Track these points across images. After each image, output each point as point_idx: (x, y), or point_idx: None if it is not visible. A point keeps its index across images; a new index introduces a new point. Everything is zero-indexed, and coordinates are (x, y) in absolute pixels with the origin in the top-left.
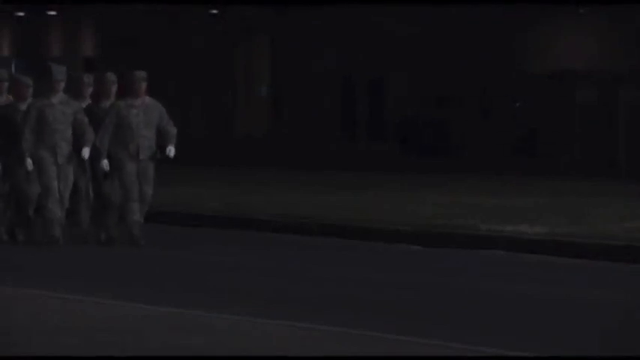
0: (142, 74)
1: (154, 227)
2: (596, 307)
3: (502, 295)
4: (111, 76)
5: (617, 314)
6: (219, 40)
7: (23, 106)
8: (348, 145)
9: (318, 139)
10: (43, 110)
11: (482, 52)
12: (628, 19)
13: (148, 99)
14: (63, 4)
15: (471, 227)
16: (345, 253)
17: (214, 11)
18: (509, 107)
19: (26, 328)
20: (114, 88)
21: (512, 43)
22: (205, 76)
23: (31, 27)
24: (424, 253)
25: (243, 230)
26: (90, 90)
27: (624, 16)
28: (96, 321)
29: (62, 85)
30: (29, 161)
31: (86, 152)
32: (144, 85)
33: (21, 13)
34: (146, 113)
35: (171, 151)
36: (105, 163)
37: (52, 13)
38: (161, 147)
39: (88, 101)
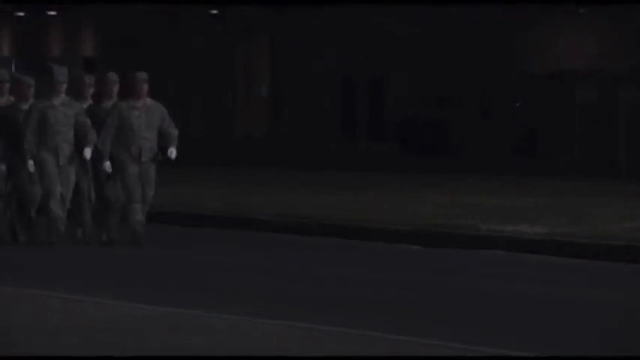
0: (143, 75)
1: (154, 227)
2: (596, 307)
3: (502, 295)
4: (113, 76)
5: (617, 314)
6: (219, 40)
7: (25, 106)
8: (348, 145)
9: (318, 139)
10: (45, 112)
11: (482, 52)
12: (628, 19)
13: (149, 100)
14: (63, 4)
15: (471, 227)
16: (345, 253)
17: (214, 11)
18: (509, 107)
19: (26, 328)
20: (115, 88)
21: (512, 43)
22: (205, 76)
23: (31, 27)
24: (424, 253)
25: (243, 230)
26: (91, 90)
27: (624, 16)
28: (96, 321)
29: (64, 86)
30: (31, 163)
31: (88, 152)
32: (145, 87)
33: (21, 13)
34: (148, 115)
35: (172, 153)
36: (107, 165)
37: (52, 13)
38: (162, 148)
39: (90, 101)
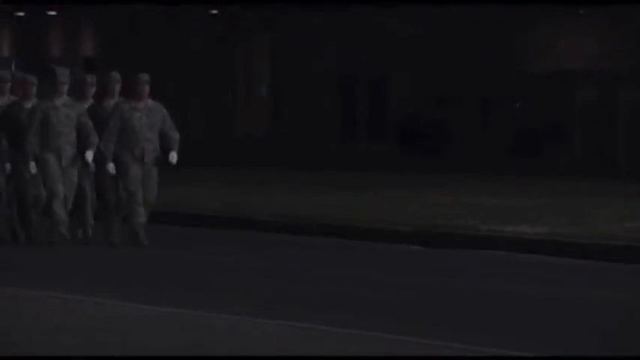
0: (145, 77)
1: (154, 227)
2: (596, 307)
3: (502, 295)
4: (115, 75)
5: (617, 314)
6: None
7: (28, 105)
8: (348, 145)
9: (318, 139)
10: (48, 113)
11: (482, 52)
12: (628, 19)
13: (150, 102)
14: (63, 4)
15: (471, 227)
16: (345, 253)
17: (214, 11)
18: (509, 107)
19: (26, 328)
20: (118, 87)
21: (512, 43)
22: (205, 77)
23: (31, 27)
24: (424, 253)
25: (243, 230)
26: (93, 90)
27: (624, 16)
28: (96, 321)
29: (66, 87)
30: (32, 164)
31: (90, 155)
32: (147, 88)
33: (21, 13)
34: (149, 116)
35: (173, 157)
36: (111, 167)
37: (52, 13)
38: (163, 150)
39: (91, 101)
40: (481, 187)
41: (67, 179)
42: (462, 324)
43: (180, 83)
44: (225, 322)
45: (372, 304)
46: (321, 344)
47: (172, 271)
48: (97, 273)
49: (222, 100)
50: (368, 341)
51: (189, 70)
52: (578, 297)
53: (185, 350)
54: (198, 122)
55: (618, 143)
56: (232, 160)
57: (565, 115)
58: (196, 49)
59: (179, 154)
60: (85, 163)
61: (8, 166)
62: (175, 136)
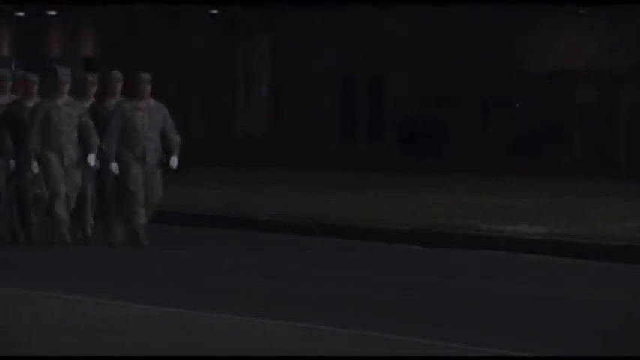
0: (147, 76)
1: (154, 227)
2: (596, 307)
3: (502, 295)
4: (117, 74)
5: (617, 314)
6: (219, 40)
7: (30, 103)
8: (348, 145)
9: (318, 139)
10: (49, 112)
11: (482, 52)
12: (628, 19)
13: (152, 101)
14: (63, 4)
15: (471, 227)
16: (345, 253)
17: (214, 11)
18: (510, 107)
19: (26, 328)
20: (119, 86)
21: (512, 43)
22: (205, 76)
23: (31, 27)
24: (424, 253)
25: (243, 230)
26: (94, 89)
27: (624, 16)
28: (96, 321)
29: (67, 86)
30: (35, 164)
31: (92, 159)
32: (149, 88)
33: (21, 13)
34: (151, 115)
35: (174, 162)
36: (114, 167)
37: (52, 13)
38: (164, 151)
39: (92, 100)
40: (481, 187)
41: (69, 180)
42: (462, 324)
43: (180, 83)
44: (225, 322)
45: (372, 304)
46: (321, 344)
47: (172, 271)
48: (97, 273)
49: (222, 100)
50: (368, 341)
51: (189, 70)
52: (578, 297)
53: (185, 350)
54: (199, 122)
55: (618, 143)
56: (232, 160)
57: (565, 115)
58: (196, 49)
59: (179, 154)
60: (87, 166)
61: (13, 162)
62: (176, 139)
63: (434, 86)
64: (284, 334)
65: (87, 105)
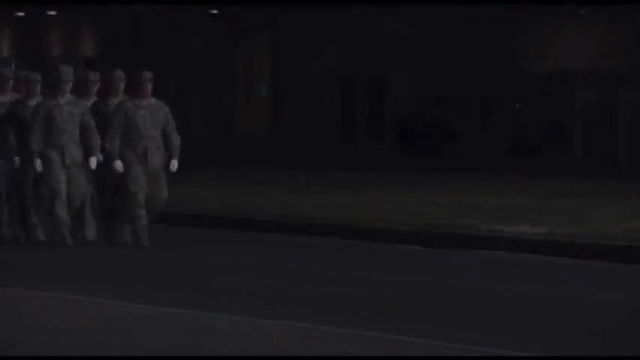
0: (148, 75)
1: (154, 227)
2: (596, 307)
3: (502, 295)
4: (119, 73)
5: (617, 314)
6: (219, 40)
7: (32, 102)
8: (348, 145)
9: (318, 139)
10: (51, 111)
11: (482, 52)
12: (628, 19)
13: (153, 100)
14: (63, 4)
15: (471, 227)
16: (345, 253)
17: (214, 11)
18: (510, 107)
19: (26, 328)
20: (122, 85)
21: (512, 43)
22: (205, 76)
23: (31, 27)
24: (424, 253)
25: (243, 230)
26: (96, 88)
27: (624, 16)
28: (96, 321)
29: (69, 85)
30: (38, 162)
31: (93, 162)
32: (150, 86)
33: (21, 13)
34: (152, 114)
35: (174, 166)
36: (119, 165)
37: (52, 13)
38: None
39: (94, 98)
40: (481, 187)
41: (73, 181)
42: (462, 324)
43: (180, 83)
44: (225, 322)
45: (372, 304)
46: (321, 344)
47: (172, 271)
48: (97, 273)
49: (222, 100)
50: (368, 341)
51: (189, 70)
52: (578, 297)
53: (185, 350)
54: (199, 122)
55: (618, 143)
56: (232, 160)
57: (565, 115)
58: (196, 49)
59: (180, 155)
60: (88, 167)
61: (17, 159)
62: (176, 141)
63: (434, 86)
64: (284, 334)
65: (89, 103)
